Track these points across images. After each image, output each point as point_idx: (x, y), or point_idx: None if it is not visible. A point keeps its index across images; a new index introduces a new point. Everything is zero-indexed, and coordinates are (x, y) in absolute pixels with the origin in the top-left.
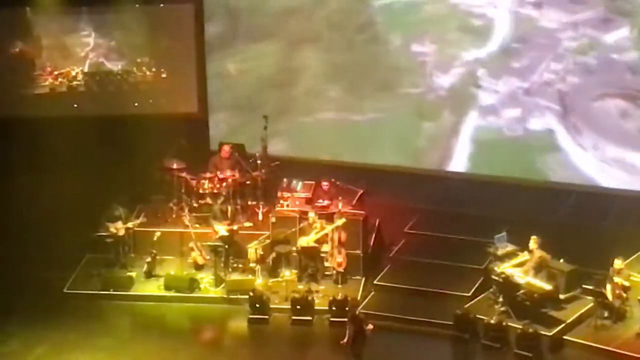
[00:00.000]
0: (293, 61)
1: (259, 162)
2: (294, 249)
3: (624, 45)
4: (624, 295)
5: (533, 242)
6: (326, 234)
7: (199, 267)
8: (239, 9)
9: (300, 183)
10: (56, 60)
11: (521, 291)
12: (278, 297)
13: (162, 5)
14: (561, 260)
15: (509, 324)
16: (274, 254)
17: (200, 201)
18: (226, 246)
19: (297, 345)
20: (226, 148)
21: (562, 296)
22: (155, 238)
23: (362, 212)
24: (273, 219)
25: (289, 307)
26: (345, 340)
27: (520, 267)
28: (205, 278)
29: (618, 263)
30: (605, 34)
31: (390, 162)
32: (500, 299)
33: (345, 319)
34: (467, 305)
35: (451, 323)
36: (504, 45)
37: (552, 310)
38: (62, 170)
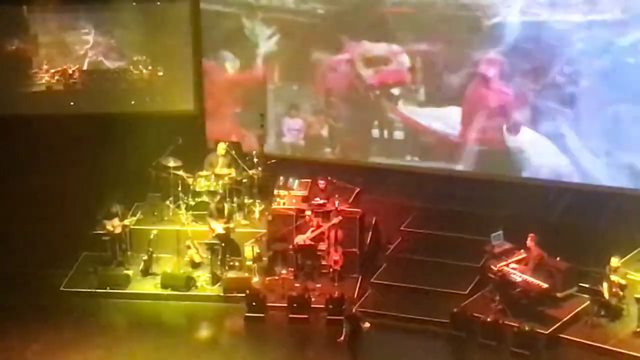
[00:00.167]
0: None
1: (255, 160)
2: (291, 247)
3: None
4: (621, 293)
5: (530, 240)
6: (323, 232)
7: (195, 265)
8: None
9: (297, 181)
10: (53, 58)
11: (518, 289)
12: (275, 295)
13: (159, 3)
14: (558, 259)
15: (506, 322)
16: (270, 252)
17: (196, 199)
18: (223, 244)
19: (293, 343)
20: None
21: (558, 294)
22: (151, 236)
23: (359, 210)
24: (269, 217)
25: (286, 305)
26: (341, 338)
27: (517, 265)
28: (202, 276)
29: (614, 261)
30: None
31: (388, 161)
32: (497, 297)
33: (342, 317)
34: (463, 304)
35: (448, 321)
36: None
37: (549, 309)
38: (58, 168)
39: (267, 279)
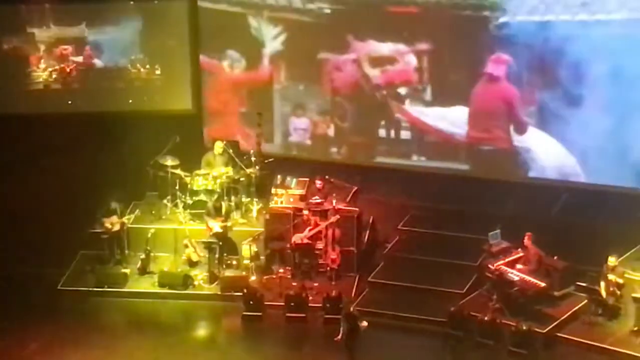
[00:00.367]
0: None
1: (253, 159)
2: (288, 245)
3: None
4: (618, 292)
5: (527, 239)
6: (320, 231)
7: (193, 264)
8: None
9: (295, 180)
10: (50, 56)
11: (515, 288)
12: (272, 294)
13: (156, 1)
14: (555, 258)
15: (503, 321)
16: (268, 251)
17: (194, 198)
18: (220, 243)
19: (291, 342)
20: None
21: (556, 293)
22: (149, 235)
23: (356, 209)
24: (267, 216)
25: (283, 304)
26: (339, 337)
27: (514, 264)
28: (199, 275)
29: (612, 260)
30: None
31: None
32: (494, 296)
33: (339, 316)
34: (460, 303)
35: (445, 320)
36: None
37: (546, 307)
38: (55, 166)
39: (265, 277)
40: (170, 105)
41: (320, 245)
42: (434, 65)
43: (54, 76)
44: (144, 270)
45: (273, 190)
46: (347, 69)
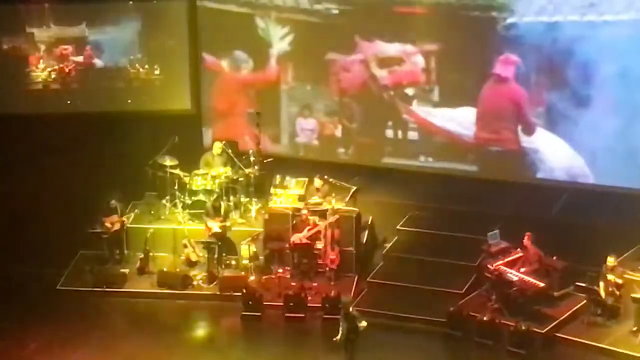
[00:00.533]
0: None
1: (252, 158)
2: (287, 245)
3: None
4: (617, 292)
5: (527, 239)
6: (319, 231)
7: (191, 264)
8: None
9: (293, 180)
10: (51, 56)
11: (514, 288)
12: (271, 294)
13: (155, 1)
14: (554, 258)
15: (502, 321)
16: (267, 251)
17: (193, 198)
18: (219, 243)
19: (290, 342)
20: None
21: (555, 293)
22: (148, 235)
23: (355, 209)
24: (266, 216)
25: (282, 304)
26: (338, 337)
27: (514, 264)
28: (198, 275)
29: (611, 260)
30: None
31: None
32: (493, 296)
33: (338, 316)
34: (460, 303)
35: (444, 320)
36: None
37: (545, 308)
38: (54, 166)
39: (264, 277)
40: (169, 105)
41: (319, 245)
42: (442, 66)
43: (52, 76)
44: (143, 270)
45: (272, 190)
46: (354, 70)
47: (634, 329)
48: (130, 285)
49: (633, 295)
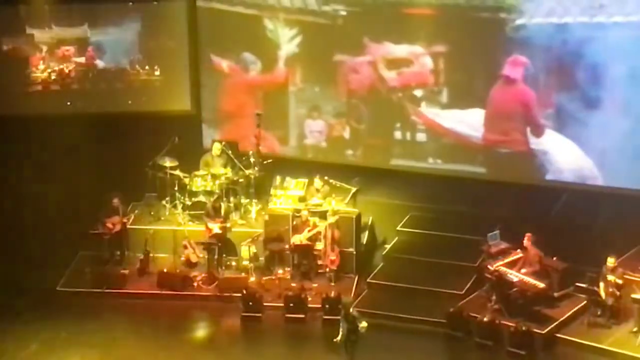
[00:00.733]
0: None
1: (252, 160)
2: (287, 246)
3: None
4: (617, 293)
5: (527, 240)
6: (319, 232)
7: (192, 265)
8: None
9: (294, 181)
10: (52, 57)
11: (514, 289)
12: (271, 295)
13: (155, 2)
14: (554, 258)
15: (502, 321)
16: (267, 252)
17: (193, 199)
18: (219, 244)
19: (290, 343)
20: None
21: (555, 294)
22: (148, 236)
23: (356, 209)
24: (266, 217)
25: (282, 304)
26: (338, 338)
27: (514, 264)
28: (199, 276)
29: (611, 261)
30: None
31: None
32: (493, 297)
33: (338, 317)
34: (460, 303)
35: (444, 321)
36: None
37: (545, 308)
38: (54, 168)
39: (264, 278)
40: (169, 106)
41: (319, 246)
42: (450, 68)
43: (53, 77)
44: (143, 271)
45: (272, 191)
46: (362, 71)
47: (634, 329)
48: (130, 286)
49: (633, 295)
